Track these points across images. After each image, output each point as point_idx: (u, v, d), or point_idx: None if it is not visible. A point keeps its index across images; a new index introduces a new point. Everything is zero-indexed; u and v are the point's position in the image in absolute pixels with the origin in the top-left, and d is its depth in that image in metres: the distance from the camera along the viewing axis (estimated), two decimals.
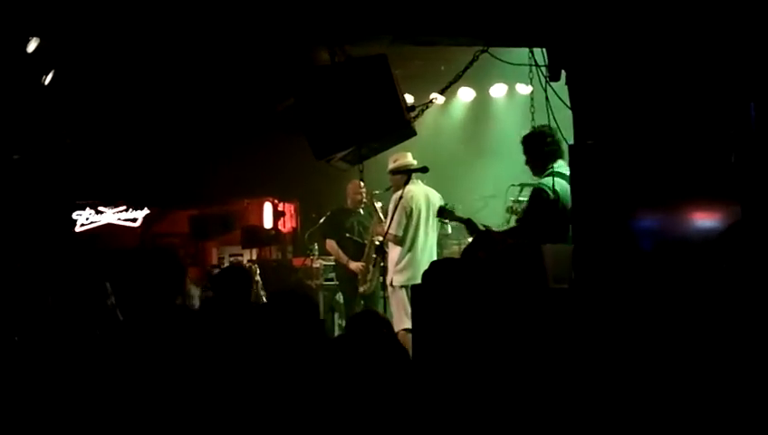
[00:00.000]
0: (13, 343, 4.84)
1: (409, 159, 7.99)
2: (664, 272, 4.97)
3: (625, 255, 5.11)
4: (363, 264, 8.90)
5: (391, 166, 8.02)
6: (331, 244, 9.27)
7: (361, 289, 8.88)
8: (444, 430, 3.87)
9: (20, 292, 5.78)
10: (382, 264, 8.25)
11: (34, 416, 4.11)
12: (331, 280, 9.95)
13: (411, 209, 7.80)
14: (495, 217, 7.91)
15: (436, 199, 8.08)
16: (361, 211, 9.25)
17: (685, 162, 5.11)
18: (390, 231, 7.71)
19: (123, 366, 4.16)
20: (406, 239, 7.80)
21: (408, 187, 7.75)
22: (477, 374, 4.22)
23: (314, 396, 3.65)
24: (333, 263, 9.65)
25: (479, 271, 4.88)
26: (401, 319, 7.57)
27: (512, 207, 7.64)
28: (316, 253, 10.18)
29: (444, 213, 6.97)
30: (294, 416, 3.60)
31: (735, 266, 4.13)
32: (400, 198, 7.61)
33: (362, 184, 8.97)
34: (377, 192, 9.05)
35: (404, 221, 7.75)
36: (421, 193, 7.96)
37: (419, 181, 8.02)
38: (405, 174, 7.83)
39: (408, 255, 7.80)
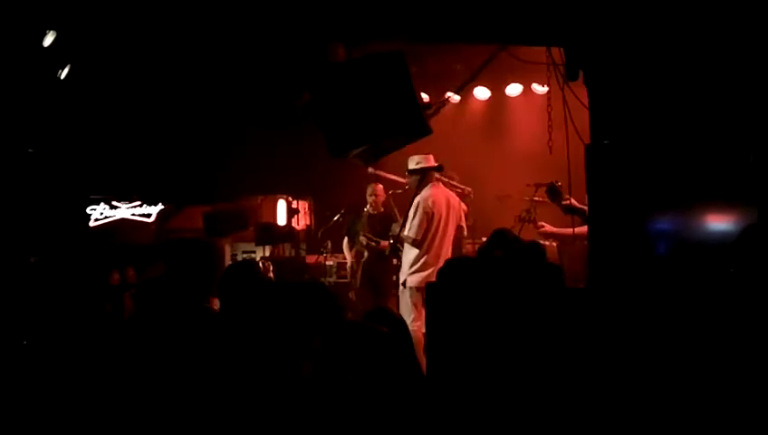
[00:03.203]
0: (21, 345, 4.83)
1: (431, 162, 8.00)
2: (680, 273, 4.94)
3: (641, 255, 5.09)
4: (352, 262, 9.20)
5: (412, 167, 8.01)
6: (345, 243, 9.43)
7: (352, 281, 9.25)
8: (459, 431, 3.85)
9: (32, 286, 5.79)
10: (397, 263, 8.30)
11: (38, 412, 4.12)
12: (344, 277, 9.98)
13: (433, 214, 7.80)
14: (510, 216, 7.90)
15: (456, 203, 8.08)
16: (374, 214, 9.29)
17: (702, 163, 5.08)
18: (410, 234, 7.76)
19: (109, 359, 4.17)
20: (424, 243, 7.80)
21: (430, 190, 7.81)
22: (492, 373, 4.20)
23: (323, 394, 3.63)
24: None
25: (495, 270, 4.86)
26: (409, 319, 7.57)
27: (524, 216, 7.65)
28: (329, 251, 10.20)
29: (554, 192, 7.12)
30: (302, 413, 3.59)
31: (752, 269, 4.09)
32: (419, 199, 7.67)
33: (378, 187, 9.09)
34: (393, 191, 9.11)
35: (424, 225, 7.76)
36: (442, 197, 7.96)
37: (440, 184, 8.03)
38: (419, 173, 7.87)
39: (424, 258, 7.80)
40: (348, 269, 9.38)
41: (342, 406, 3.54)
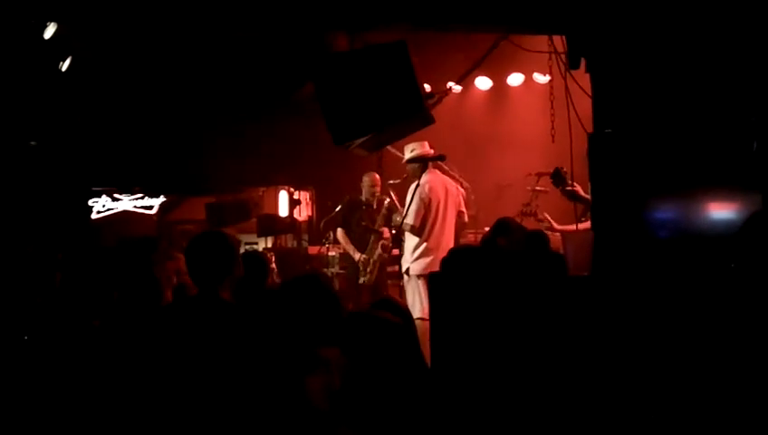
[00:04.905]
0: (21, 340, 4.82)
1: (426, 149, 7.97)
2: (683, 261, 4.94)
3: (644, 244, 5.09)
4: (365, 256, 8.97)
5: (408, 155, 8.00)
6: (341, 233, 9.30)
7: (361, 280, 8.96)
8: (464, 423, 3.86)
9: (31, 278, 5.78)
10: (400, 253, 8.27)
11: (36, 409, 4.11)
12: (346, 268, 9.95)
13: (430, 200, 7.77)
14: (512, 206, 7.90)
15: (454, 189, 8.07)
16: (373, 205, 9.24)
17: (706, 150, 5.08)
18: (407, 221, 7.72)
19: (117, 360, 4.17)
20: (424, 229, 7.78)
21: (427, 176, 7.78)
22: (496, 362, 4.20)
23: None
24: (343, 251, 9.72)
25: (499, 259, 4.86)
26: (416, 308, 7.57)
27: (525, 211, 7.64)
28: (332, 241, 10.17)
29: (558, 178, 7.08)
30: (308, 407, 3.59)
31: (756, 256, 4.08)
32: (417, 186, 7.61)
33: (378, 177, 9.05)
34: (392, 182, 9.08)
35: (421, 211, 7.73)
36: (439, 183, 7.94)
37: (437, 171, 8.01)
38: (421, 163, 7.85)
39: (425, 244, 7.78)
40: (360, 264, 9.11)
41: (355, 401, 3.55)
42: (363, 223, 9.15)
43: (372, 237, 8.99)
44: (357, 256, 9.08)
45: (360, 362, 3.69)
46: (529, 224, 7.47)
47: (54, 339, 4.55)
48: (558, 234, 7.65)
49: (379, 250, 8.89)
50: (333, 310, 3.95)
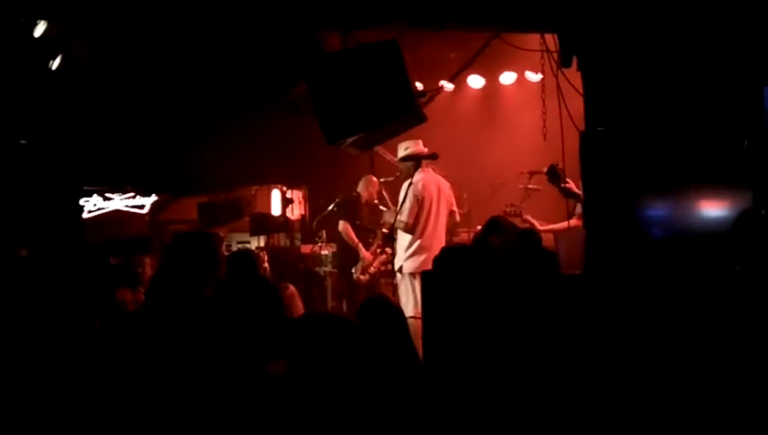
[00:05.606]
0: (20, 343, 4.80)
1: (420, 147, 7.95)
2: (676, 258, 4.96)
3: (636, 241, 5.10)
4: (372, 255, 8.96)
5: (402, 153, 7.99)
6: (347, 227, 9.20)
7: (362, 277, 8.94)
8: (457, 421, 3.86)
9: (24, 281, 5.76)
10: (390, 250, 8.26)
11: (33, 409, 4.09)
12: (338, 267, 9.92)
13: (423, 197, 7.77)
14: (504, 204, 7.90)
15: (446, 187, 8.06)
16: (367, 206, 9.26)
17: (697, 148, 5.09)
18: (401, 218, 7.70)
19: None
20: (417, 227, 7.78)
21: (420, 175, 7.77)
22: (488, 359, 4.20)
23: (324, 384, 3.62)
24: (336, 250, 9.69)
25: (491, 257, 4.86)
26: (408, 306, 7.57)
27: (509, 211, 7.63)
28: (324, 240, 10.16)
29: (554, 174, 7.07)
30: (305, 403, 3.58)
31: (747, 253, 4.09)
32: (410, 185, 7.61)
33: (378, 185, 9.06)
34: (384, 179, 9.07)
35: (415, 209, 7.72)
36: (432, 181, 7.94)
37: (430, 169, 8.00)
38: (414, 161, 7.83)
39: (418, 242, 7.78)
40: (364, 261, 9.01)
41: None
42: (357, 222, 9.14)
43: (377, 236, 9.01)
44: (363, 252, 9.06)
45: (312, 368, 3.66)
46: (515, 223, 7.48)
47: (57, 342, 4.53)
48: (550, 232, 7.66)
49: (378, 249, 8.90)
50: (275, 316, 3.94)
